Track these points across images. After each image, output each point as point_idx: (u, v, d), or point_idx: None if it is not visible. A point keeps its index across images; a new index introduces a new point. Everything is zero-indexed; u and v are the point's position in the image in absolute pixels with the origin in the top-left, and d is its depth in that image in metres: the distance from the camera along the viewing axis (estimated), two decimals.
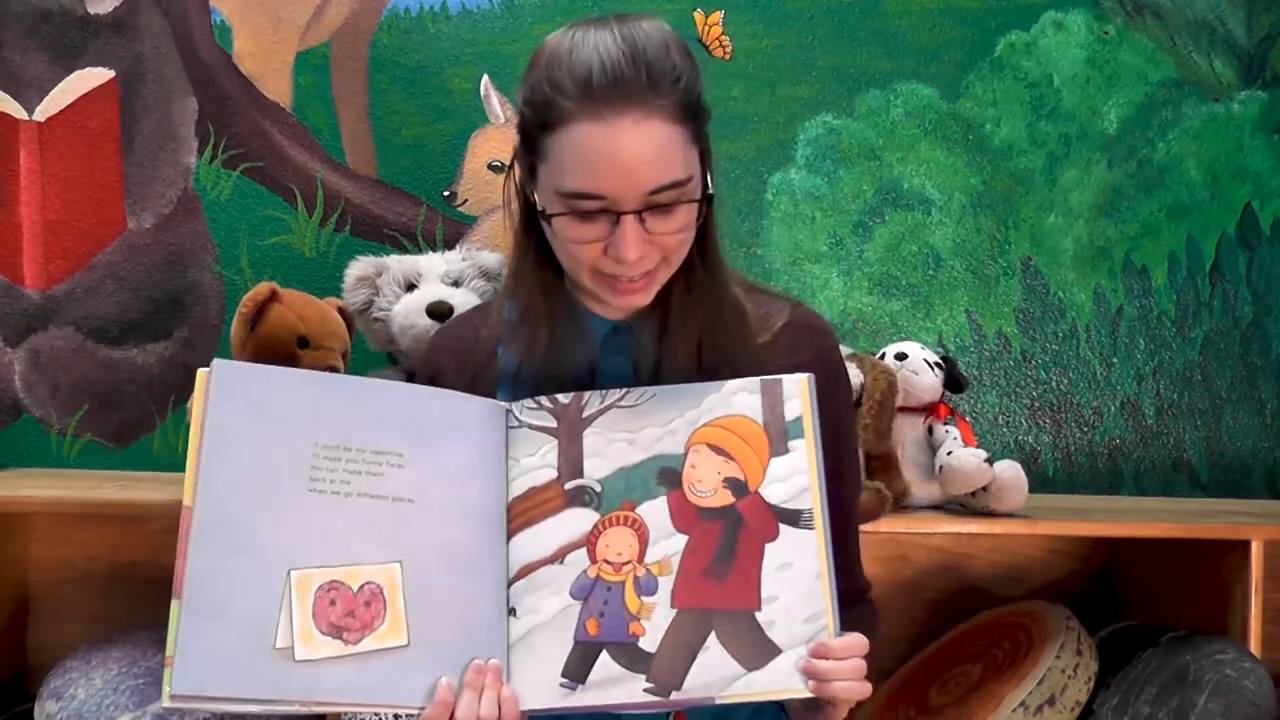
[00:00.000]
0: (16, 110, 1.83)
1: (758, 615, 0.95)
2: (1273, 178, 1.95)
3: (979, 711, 1.50)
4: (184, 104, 1.85)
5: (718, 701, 0.93)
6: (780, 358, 1.10)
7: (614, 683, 0.94)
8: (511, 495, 1.01)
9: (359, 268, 1.62)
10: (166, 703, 0.87)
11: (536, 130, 1.02)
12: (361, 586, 0.93)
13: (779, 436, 1.00)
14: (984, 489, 1.54)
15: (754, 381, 1.01)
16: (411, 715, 0.94)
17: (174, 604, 0.89)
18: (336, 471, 0.95)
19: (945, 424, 1.62)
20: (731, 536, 0.97)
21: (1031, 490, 1.57)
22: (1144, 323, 1.94)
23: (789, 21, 1.91)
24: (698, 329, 1.09)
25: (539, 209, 1.05)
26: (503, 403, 1.03)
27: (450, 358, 1.18)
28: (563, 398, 1.03)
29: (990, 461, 1.53)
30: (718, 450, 1.00)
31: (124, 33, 1.85)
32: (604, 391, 1.03)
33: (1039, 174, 1.93)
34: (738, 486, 0.99)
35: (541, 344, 1.10)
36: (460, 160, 1.86)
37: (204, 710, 0.90)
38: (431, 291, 1.56)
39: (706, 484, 0.99)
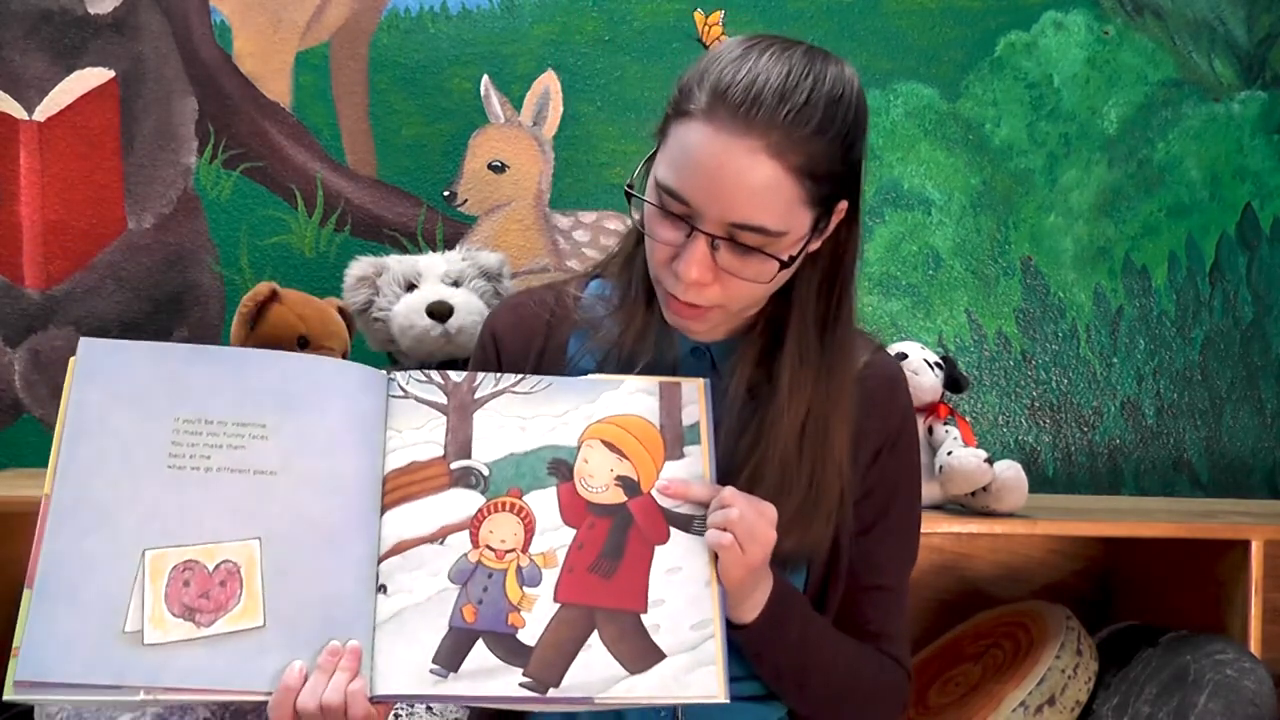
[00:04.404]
0: (16, 110, 1.83)
1: (644, 617, 0.93)
2: (1273, 178, 1.95)
3: (979, 711, 1.50)
4: (184, 104, 1.85)
5: (597, 703, 0.91)
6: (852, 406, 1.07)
7: (489, 674, 0.90)
8: (390, 466, 0.96)
9: (359, 268, 1.62)
10: (9, 695, 0.84)
11: (670, 112, 0.99)
12: (218, 565, 0.90)
13: (675, 440, 0.99)
14: (984, 489, 1.54)
15: (652, 384, 1.01)
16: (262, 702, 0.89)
17: (25, 594, 0.86)
18: (197, 446, 0.92)
19: (945, 424, 1.62)
20: (621, 535, 0.95)
21: (1031, 490, 1.57)
22: (1144, 323, 1.94)
23: (789, 21, 1.91)
24: (805, 406, 1.03)
25: (630, 184, 1.02)
26: (383, 371, 1.00)
27: (514, 337, 1.13)
28: (454, 376, 1.00)
29: (990, 461, 1.53)
30: (611, 448, 0.98)
31: (124, 33, 1.85)
32: (498, 375, 1.01)
33: (1039, 174, 1.93)
34: (630, 485, 0.97)
35: (628, 345, 1.06)
36: (460, 160, 1.86)
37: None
38: (431, 291, 1.56)
39: (598, 479, 0.97)
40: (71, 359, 0.93)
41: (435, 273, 1.60)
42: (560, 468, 0.97)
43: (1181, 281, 1.94)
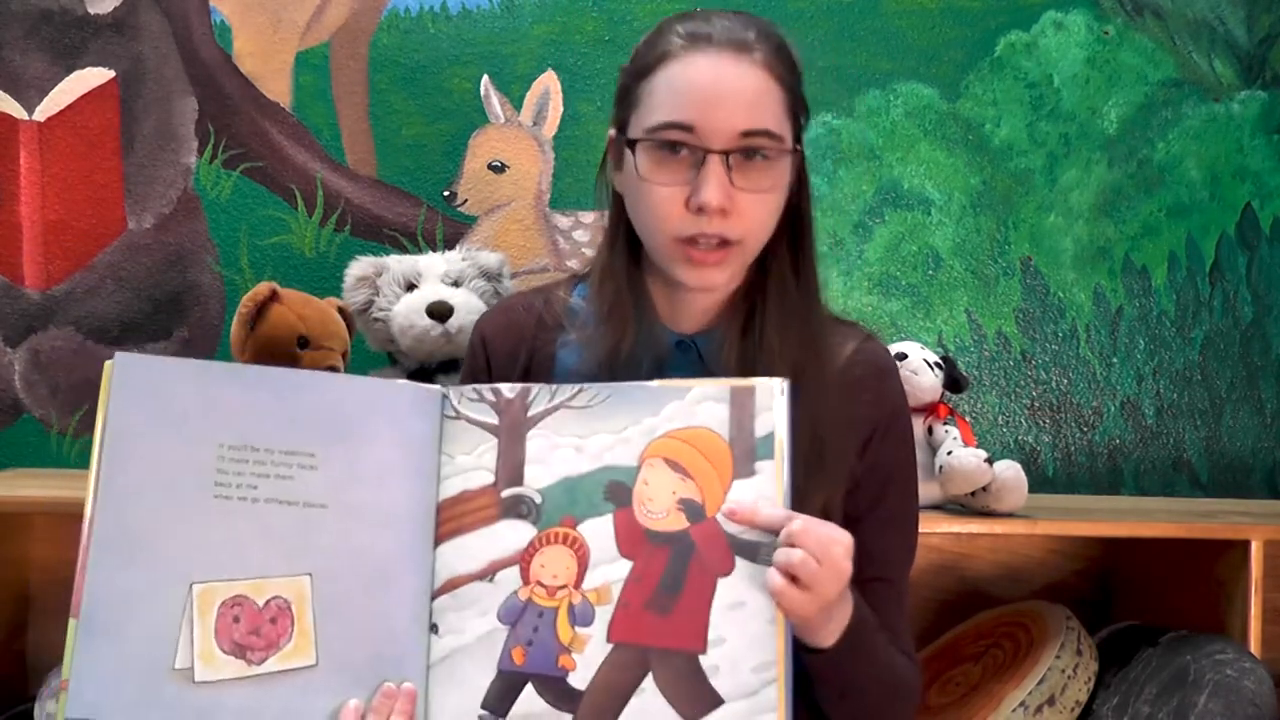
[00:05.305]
0: (16, 110, 1.83)
1: (702, 658, 0.86)
2: (1273, 178, 1.95)
3: (979, 711, 1.50)
4: (184, 104, 1.85)
5: None
6: (839, 393, 1.05)
7: (537, 719, 0.87)
8: (443, 496, 0.92)
9: (359, 268, 1.62)
10: None
11: (634, 81, 1.02)
12: (268, 601, 0.87)
13: (745, 455, 0.90)
14: (984, 489, 1.54)
15: (723, 388, 0.92)
16: None
17: (71, 624, 0.84)
18: (243, 475, 0.89)
19: (945, 424, 1.62)
20: (680, 566, 0.88)
21: (1031, 490, 1.57)
22: (1144, 323, 1.94)
23: (789, 21, 1.91)
24: (793, 349, 1.03)
25: (623, 159, 1.02)
26: (437, 388, 0.96)
27: (503, 341, 1.12)
28: (507, 390, 0.95)
29: (990, 461, 1.53)
30: (675, 466, 0.91)
31: (124, 33, 1.85)
32: (554, 387, 0.94)
33: (1039, 174, 1.93)
34: (694, 510, 0.90)
35: (624, 352, 1.04)
36: (460, 160, 1.86)
37: None
38: (431, 291, 1.56)
39: (659, 504, 0.90)
40: (106, 369, 0.89)
41: (435, 273, 1.60)
42: (618, 491, 0.91)
43: (1181, 281, 1.94)
